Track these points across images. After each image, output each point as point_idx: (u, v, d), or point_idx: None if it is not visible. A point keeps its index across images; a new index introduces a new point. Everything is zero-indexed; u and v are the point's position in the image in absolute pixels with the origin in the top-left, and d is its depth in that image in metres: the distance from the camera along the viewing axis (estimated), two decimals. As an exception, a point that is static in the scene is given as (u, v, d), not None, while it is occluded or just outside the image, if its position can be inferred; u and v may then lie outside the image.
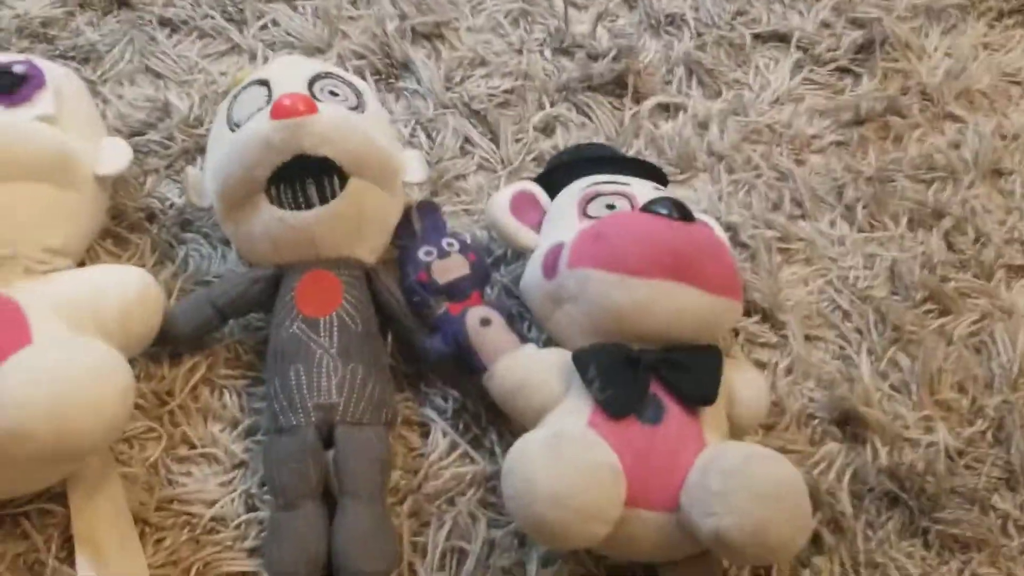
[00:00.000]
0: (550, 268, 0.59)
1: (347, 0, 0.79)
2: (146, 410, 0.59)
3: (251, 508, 0.57)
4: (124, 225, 0.66)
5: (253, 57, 0.76)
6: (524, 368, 0.57)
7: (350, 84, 0.64)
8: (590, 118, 0.76)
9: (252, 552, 0.55)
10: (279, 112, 0.56)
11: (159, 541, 0.55)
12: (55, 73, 0.62)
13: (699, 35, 0.82)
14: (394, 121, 0.73)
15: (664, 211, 0.58)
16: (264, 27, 0.78)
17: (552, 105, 0.76)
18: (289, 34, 0.77)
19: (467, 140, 0.73)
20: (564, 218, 0.62)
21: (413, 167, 0.63)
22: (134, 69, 0.74)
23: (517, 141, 0.74)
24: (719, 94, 0.80)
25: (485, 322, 0.58)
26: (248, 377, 0.61)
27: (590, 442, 0.52)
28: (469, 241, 0.63)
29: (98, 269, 0.59)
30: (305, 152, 0.56)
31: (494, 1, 0.82)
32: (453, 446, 0.60)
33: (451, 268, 0.61)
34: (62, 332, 0.53)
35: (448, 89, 0.76)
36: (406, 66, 0.77)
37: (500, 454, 0.59)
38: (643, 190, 0.63)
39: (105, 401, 0.49)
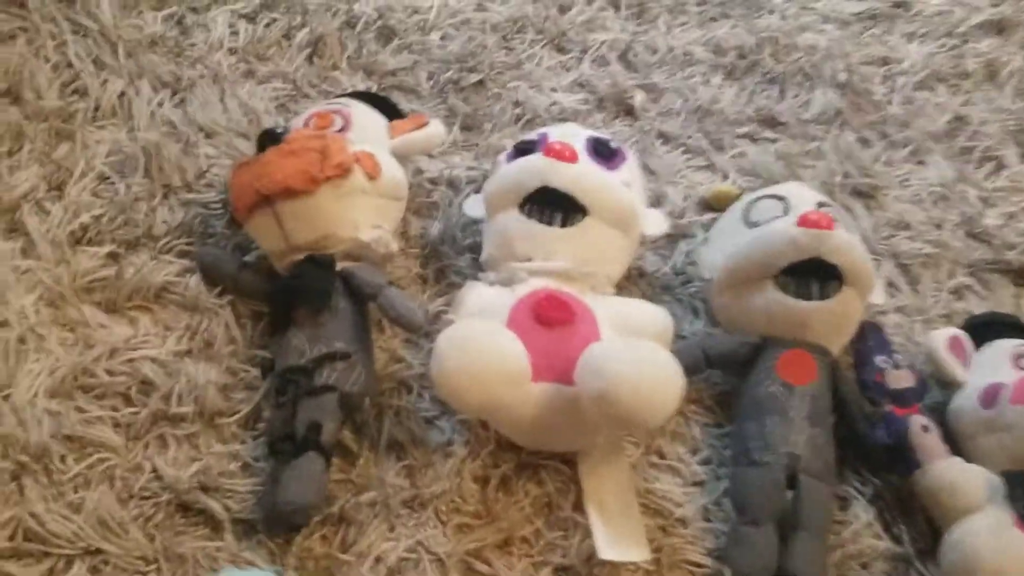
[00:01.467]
0: (989, 400, 0.71)
1: (803, 153, 0.97)
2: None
3: (705, 519, 0.70)
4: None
5: (725, 177, 0.94)
6: (957, 473, 0.69)
7: (842, 215, 0.80)
8: (992, 294, 0.89)
9: (708, 552, 0.68)
10: (807, 222, 0.72)
11: (638, 520, 0.69)
12: (630, 151, 0.81)
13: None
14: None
15: (1094, 383, 0.70)
16: (735, 156, 0.96)
17: (961, 275, 0.90)
18: (755, 166, 0.95)
19: (891, 284, 0.87)
20: (998, 364, 0.74)
21: (879, 291, 0.78)
22: (633, 163, 0.93)
23: (932, 296, 0.87)
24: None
25: (926, 428, 0.71)
26: (709, 418, 0.76)
27: (1026, 541, 0.63)
28: (913, 364, 0.76)
29: (638, 301, 0.76)
30: (821, 257, 0.72)
31: (919, 178, 0.97)
32: (867, 523, 0.71)
33: (901, 378, 0.74)
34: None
35: (879, 240, 0.90)
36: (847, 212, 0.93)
37: (907, 541, 0.70)
38: (1062, 362, 0.75)
39: (674, 391, 0.64)
